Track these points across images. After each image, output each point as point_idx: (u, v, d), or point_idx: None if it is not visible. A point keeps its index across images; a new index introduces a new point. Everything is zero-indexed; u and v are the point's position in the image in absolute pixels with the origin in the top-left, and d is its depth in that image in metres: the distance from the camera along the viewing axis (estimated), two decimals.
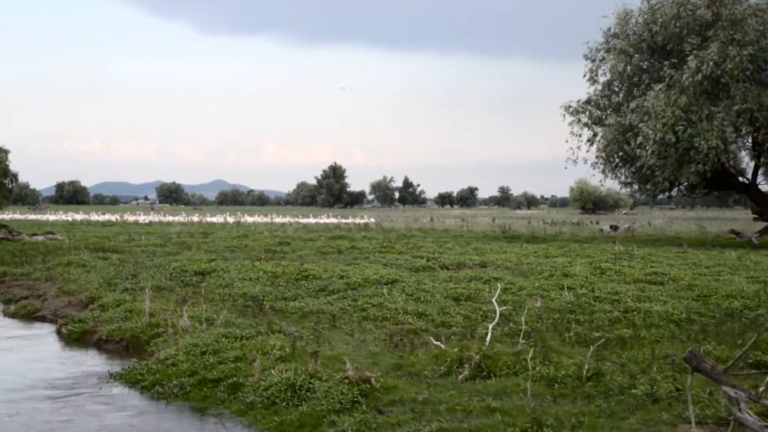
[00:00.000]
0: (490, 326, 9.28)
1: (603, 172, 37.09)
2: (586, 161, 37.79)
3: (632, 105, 33.66)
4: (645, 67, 35.71)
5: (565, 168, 38.87)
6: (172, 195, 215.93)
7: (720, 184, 37.31)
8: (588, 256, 24.28)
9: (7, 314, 15.96)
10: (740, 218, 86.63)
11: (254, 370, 9.09)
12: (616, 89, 36.58)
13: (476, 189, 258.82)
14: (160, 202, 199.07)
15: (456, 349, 9.22)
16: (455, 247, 28.71)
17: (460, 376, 8.57)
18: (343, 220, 71.71)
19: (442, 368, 8.88)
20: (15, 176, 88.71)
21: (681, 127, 31.33)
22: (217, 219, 70.65)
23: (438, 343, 9.56)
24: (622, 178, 37.41)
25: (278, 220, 71.24)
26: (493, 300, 10.57)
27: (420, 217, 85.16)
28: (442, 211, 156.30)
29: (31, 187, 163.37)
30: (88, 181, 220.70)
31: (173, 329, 11.78)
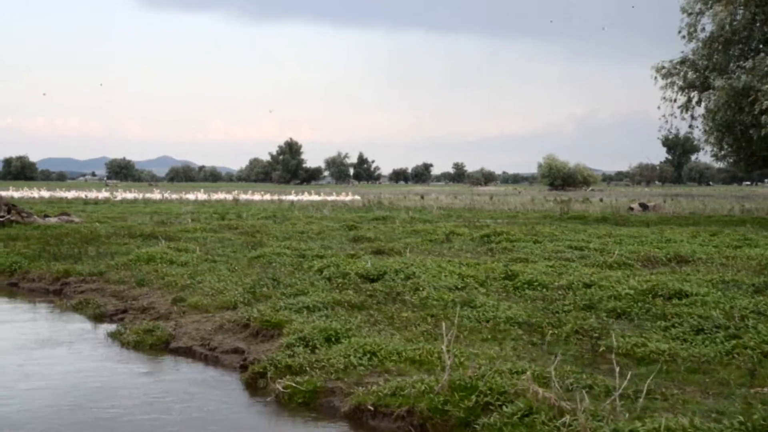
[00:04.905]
0: None
1: (708, 142, 32.11)
2: (679, 131, 33.04)
3: (747, 65, 28.81)
4: (751, 18, 30.68)
5: (658, 138, 34.10)
6: (122, 171, 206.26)
7: None
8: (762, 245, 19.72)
9: (124, 343, 10.25)
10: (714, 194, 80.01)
11: None
12: (718, 47, 31.49)
13: (431, 165, 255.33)
14: (109, 178, 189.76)
15: None
16: (569, 233, 23.92)
17: None
18: (328, 198, 66.80)
19: None
20: None
21: None
22: (192, 196, 65.48)
23: None
24: (723, 150, 32.58)
25: (267, 197, 66.30)
26: None
27: (407, 193, 79.92)
28: (406, 188, 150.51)
29: None
30: (32, 157, 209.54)
31: (515, 398, 6.74)
